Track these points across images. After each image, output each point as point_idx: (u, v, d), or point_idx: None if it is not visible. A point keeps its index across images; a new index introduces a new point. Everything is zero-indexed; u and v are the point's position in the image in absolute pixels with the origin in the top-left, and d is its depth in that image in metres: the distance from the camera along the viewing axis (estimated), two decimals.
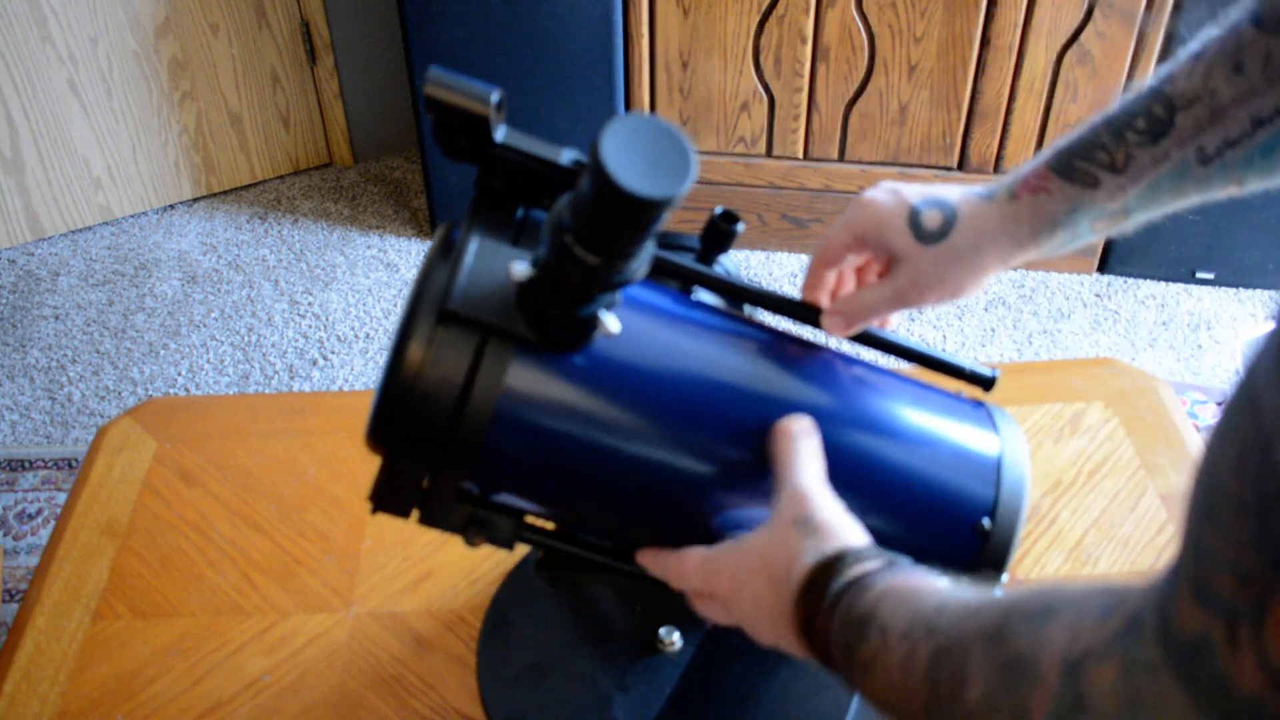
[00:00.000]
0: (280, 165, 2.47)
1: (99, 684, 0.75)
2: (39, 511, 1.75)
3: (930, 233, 0.58)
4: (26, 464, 1.82)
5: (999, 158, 2.06)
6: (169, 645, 0.77)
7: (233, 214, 2.37)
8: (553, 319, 0.50)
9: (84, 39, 2.14)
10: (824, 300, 0.63)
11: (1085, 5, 1.87)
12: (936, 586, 0.45)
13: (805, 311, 0.62)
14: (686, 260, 0.60)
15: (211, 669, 0.76)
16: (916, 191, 0.59)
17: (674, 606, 0.66)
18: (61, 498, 1.76)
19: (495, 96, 0.50)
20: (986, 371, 0.64)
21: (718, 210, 0.60)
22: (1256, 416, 0.27)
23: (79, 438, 1.86)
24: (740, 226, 0.60)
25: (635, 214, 0.43)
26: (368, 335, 2.05)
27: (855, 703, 0.70)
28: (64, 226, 2.30)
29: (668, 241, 0.64)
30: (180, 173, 2.37)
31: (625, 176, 0.42)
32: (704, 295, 0.62)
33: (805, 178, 2.12)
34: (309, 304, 2.12)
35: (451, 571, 0.82)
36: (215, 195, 2.43)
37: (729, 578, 0.53)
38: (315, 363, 1.99)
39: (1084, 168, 0.56)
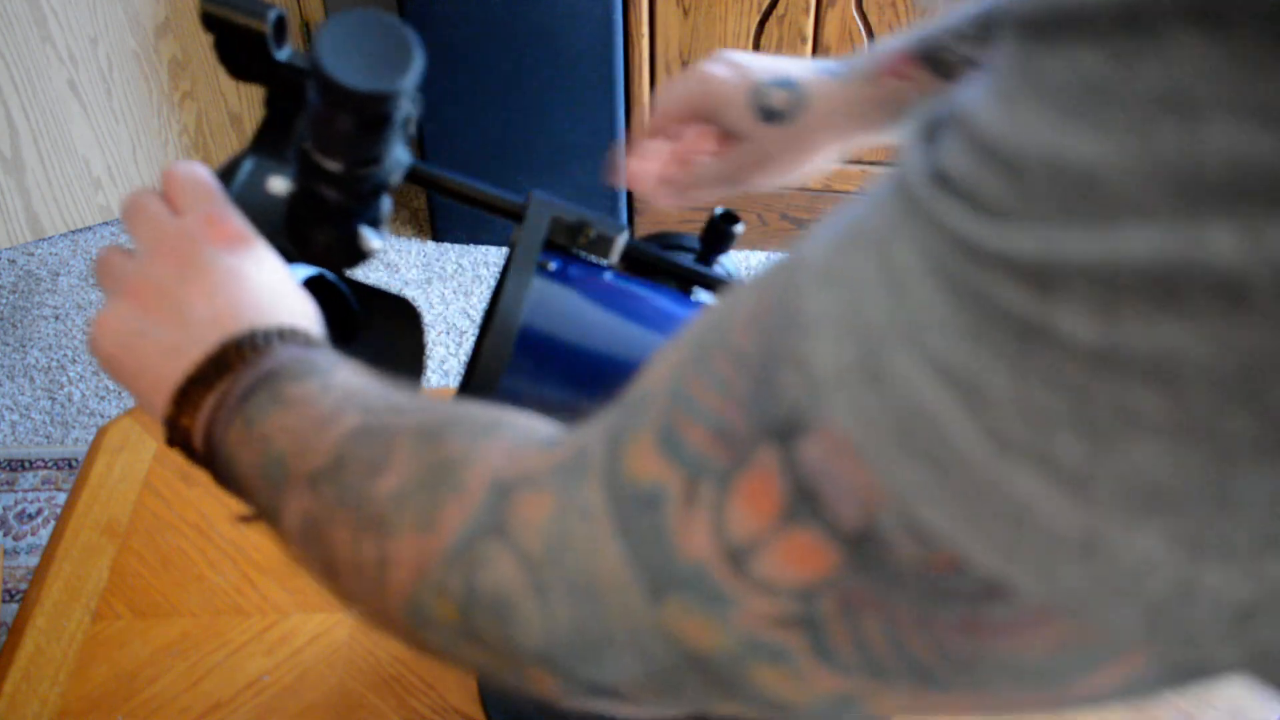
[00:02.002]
0: None
1: (99, 684, 0.75)
2: (39, 511, 1.75)
3: (775, 112, 0.56)
4: (26, 464, 1.82)
5: None
6: (169, 645, 0.77)
7: None
8: (315, 236, 0.50)
9: (84, 39, 2.14)
10: (651, 169, 0.60)
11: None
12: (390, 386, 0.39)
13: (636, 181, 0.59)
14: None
15: (211, 669, 0.76)
16: (761, 67, 0.57)
17: None
18: (61, 498, 1.76)
19: (274, 15, 0.50)
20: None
21: (718, 210, 0.60)
22: (791, 273, 0.24)
23: (79, 438, 1.86)
24: (740, 227, 0.60)
25: (358, 110, 0.42)
26: None
27: None
28: (64, 226, 2.30)
29: (668, 242, 0.64)
30: None
31: (341, 72, 0.41)
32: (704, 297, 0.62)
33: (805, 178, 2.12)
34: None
35: None
36: None
37: (154, 292, 0.42)
38: None
39: (948, 59, 0.53)
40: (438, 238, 2.25)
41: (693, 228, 1.76)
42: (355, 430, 0.35)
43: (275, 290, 0.43)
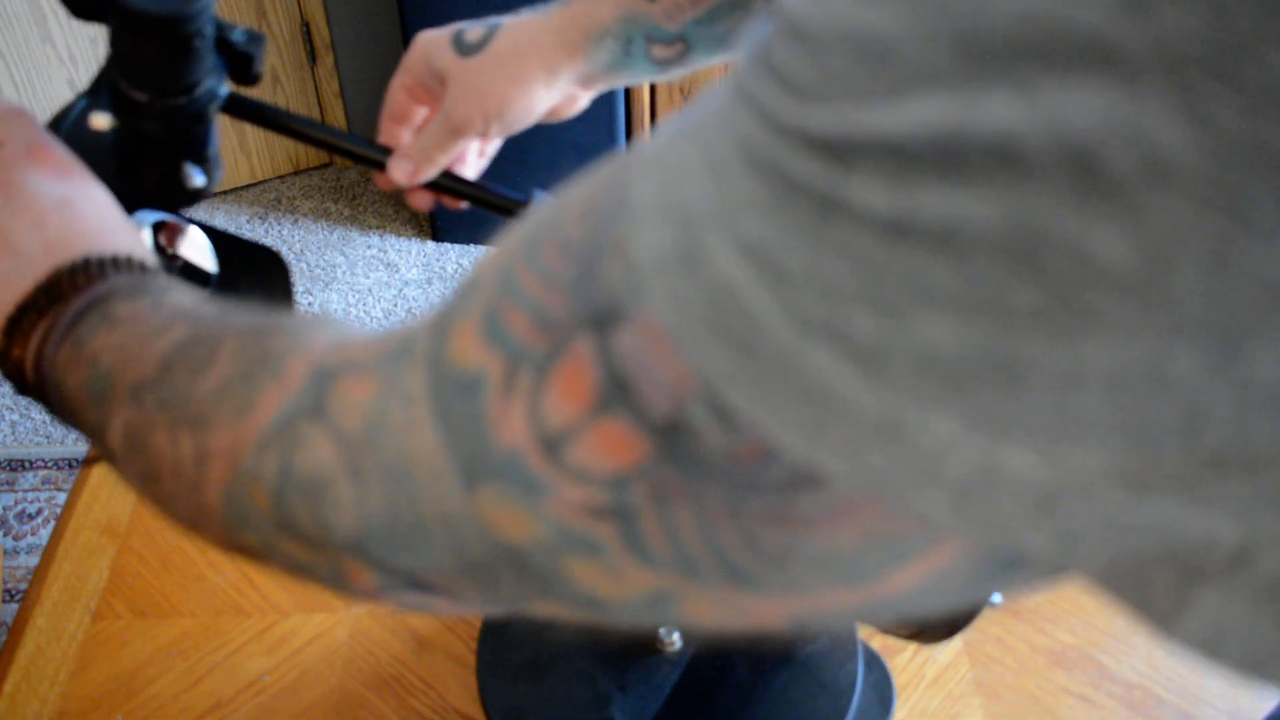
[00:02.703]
0: (280, 165, 2.47)
1: (99, 684, 0.75)
2: (39, 511, 1.75)
3: (470, 44, 0.55)
4: (26, 464, 1.82)
5: None
6: (169, 645, 0.77)
7: (233, 214, 2.37)
8: (141, 173, 0.49)
9: (84, 39, 2.14)
10: (403, 166, 0.59)
11: None
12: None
13: (376, 158, 0.58)
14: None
15: (211, 669, 0.76)
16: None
17: None
18: (61, 498, 1.76)
19: None
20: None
21: None
22: (625, 164, 0.24)
23: (79, 438, 1.86)
24: None
25: (154, 35, 0.42)
26: None
27: (855, 703, 0.70)
28: None
29: None
30: None
31: None
32: None
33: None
34: (309, 304, 2.12)
35: None
36: (215, 195, 2.43)
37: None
38: None
39: None
40: (438, 238, 2.25)
41: None
42: (183, 340, 0.34)
43: (105, 220, 0.43)
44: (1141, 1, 0.15)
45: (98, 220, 0.42)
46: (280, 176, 2.48)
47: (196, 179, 0.50)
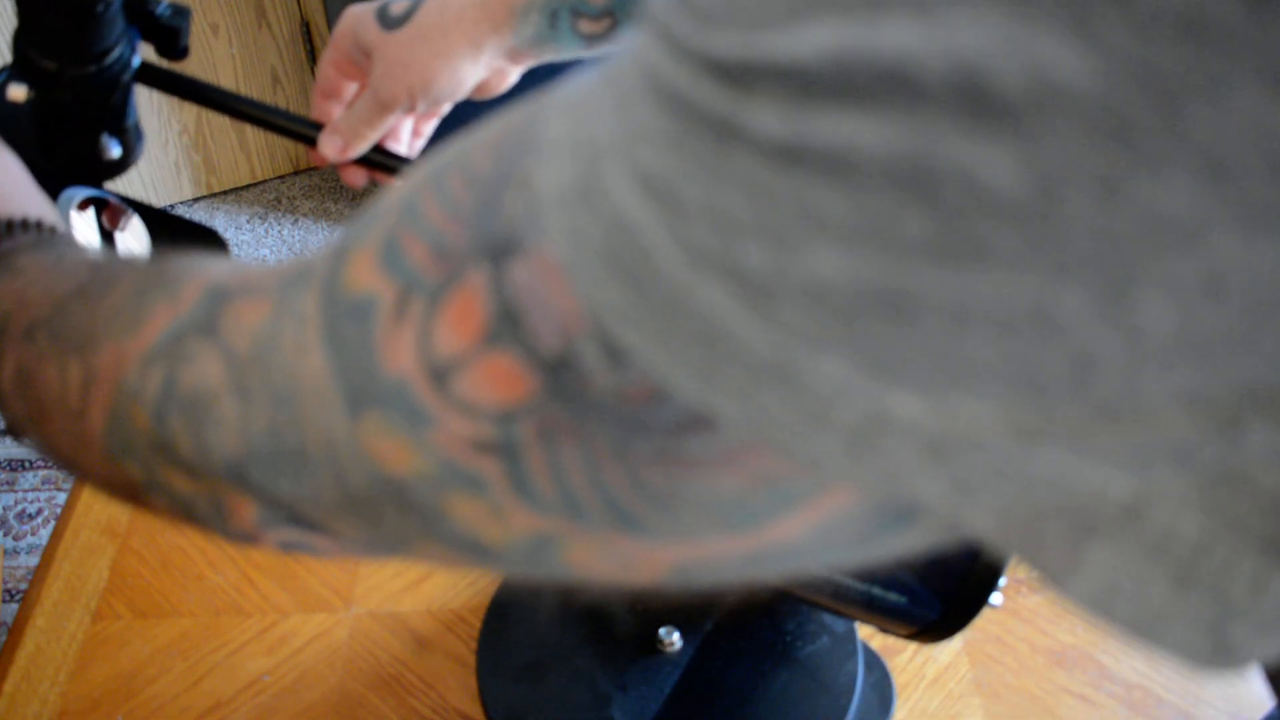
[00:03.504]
0: (280, 165, 2.47)
1: (99, 684, 0.75)
2: (39, 511, 1.75)
3: (395, 18, 0.55)
4: (26, 464, 1.82)
5: None
6: (169, 645, 0.77)
7: (233, 214, 2.37)
8: (58, 145, 0.49)
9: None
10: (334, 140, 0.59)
11: None
12: None
13: (306, 133, 0.58)
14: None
15: (211, 669, 0.76)
16: None
17: (674, 607, 0.66)
18: (61, 498, 1.76)
19: None
20: None
21: None
22: (541, 102, 0.23)
23: None
24: None
25: (48, 2, 0.42)
26: None
27: (855, 703, 0.70)
28: None
29: None
30: (180, 173, 2.37)
31: None
32: None
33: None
34: None
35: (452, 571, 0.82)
36: (215, 195, 2.43)
37: None
38: None
39: None
40: None
41: None
42: (82, 281, 0.34)
43: (15, 186, 0.43)
44: None
45: (8, 186, 0.42)
46: (280, 176, 2.48)
47: (113, 150, 0.50)
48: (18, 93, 0.48)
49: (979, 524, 0.21)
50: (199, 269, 0.31)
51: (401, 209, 0.25)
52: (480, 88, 0.58)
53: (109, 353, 0.30)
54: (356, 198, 2.40)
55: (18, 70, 0.49)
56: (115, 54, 0.47)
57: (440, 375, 0.23)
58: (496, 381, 0.22)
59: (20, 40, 0.45)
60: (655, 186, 0.18)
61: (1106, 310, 0.16)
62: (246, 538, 0.30)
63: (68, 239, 0.41)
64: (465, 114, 0.66)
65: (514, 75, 0.60)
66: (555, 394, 0.22)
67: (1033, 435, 0.18)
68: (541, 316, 0.21)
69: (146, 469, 0.30)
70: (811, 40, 0.16)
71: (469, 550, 0.25)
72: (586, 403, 0.21)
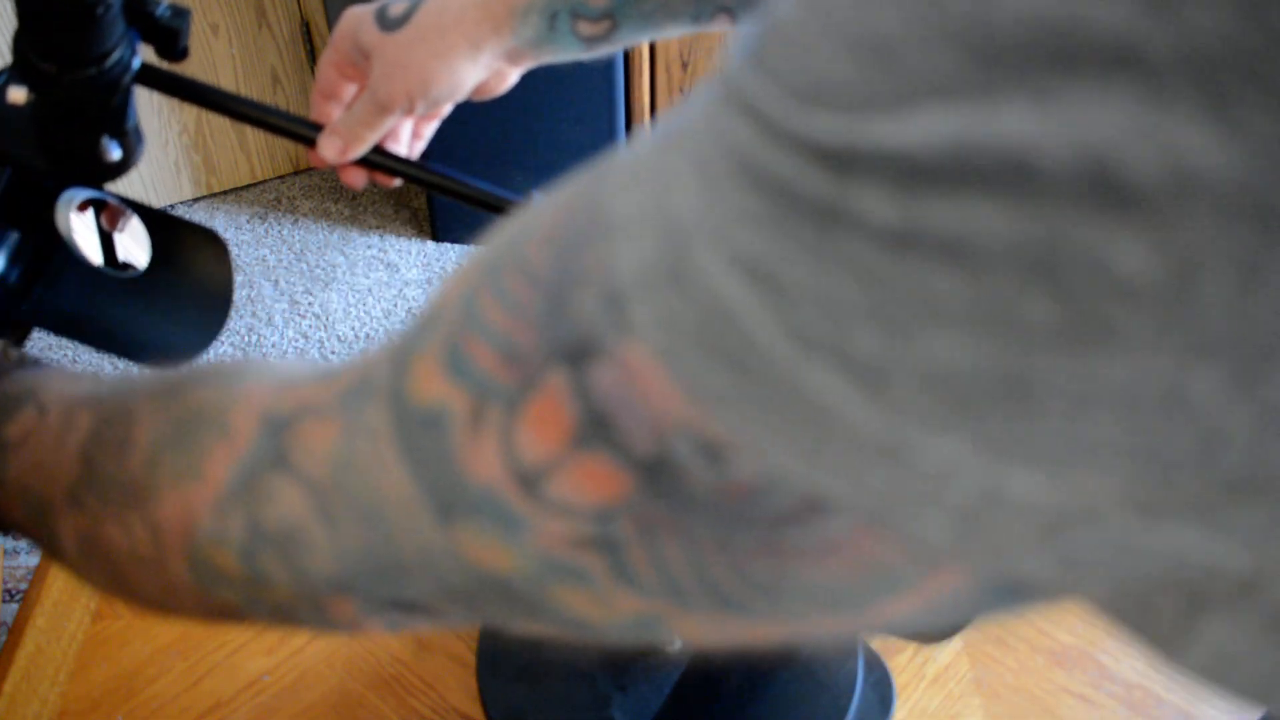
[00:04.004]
0: (280, 165, 2.47)
1: (99, 684, 0.75)
2: None
3: (394, 19, 0.55)
4: None
5: None
6: (169, 645, 0.77)
7: (233, 214, 2.37)
8: (59, 147, 0.49)
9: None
10: (334, 143, 0.58)
11: None
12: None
13: (306, 134, 0.57)
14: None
15: (211, 669, 0.76)
16: None
17: None
18: None
19: None
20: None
21: None
22: (596, 180, 0.23)
23: None
24: None
25: (54, 1, 0.42)
26: (368, 335, 2.05)
27: (855, 703, 0.70)
28: None
29: None
30: (180, 173, 2.37)
31: None
32: None
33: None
34: (309, 304, 2.12)
35: None
36: (215, 195, 2.43)
37: None
38: (315, 363, 1.99)
39: None
40: (438, 238, 2.25)
41: None
42: (91, 428, 0.33)
43: None
44: (1166, 0, 0.14)
45: None
46: (280, 176, 2.48)
47: (114, 153, 0.50)
48: (18, 95, 0.48)
49: (1087, 596, 0.21)
50: (236, 394, 0.30)
51: (461, 310, 0.24)
52: (480, 89, 0.58)
53: (173, 503, 0.30)
54: (356, 198, 2.40)
55: (18, 73, 0.48)
56: (115, 56, 0.47)
57: (530, 481, 0.22)
58: (590, 483, 0.22)
59: (20, 43, 0.45)
60: (756, 270, 0.18)
61: (1240, 388, 0.16)
62: (349, 628, 0.30)
63: (22, 367, 0.39)
64: (466, 115, 0.66)
65: (513, 77, 0.60)
66: (652, 492, 0.21)
67: (1154, 510, 0.18)
68: (632, 417, 0.21)
69: (243, 597, 0.30)
70: (923, 127, 0.16)
71: (574, 628, 0.26)
72: (684, 499, 0.21)
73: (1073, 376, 0.16)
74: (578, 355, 0.21)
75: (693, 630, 0.24)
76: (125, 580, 0.33)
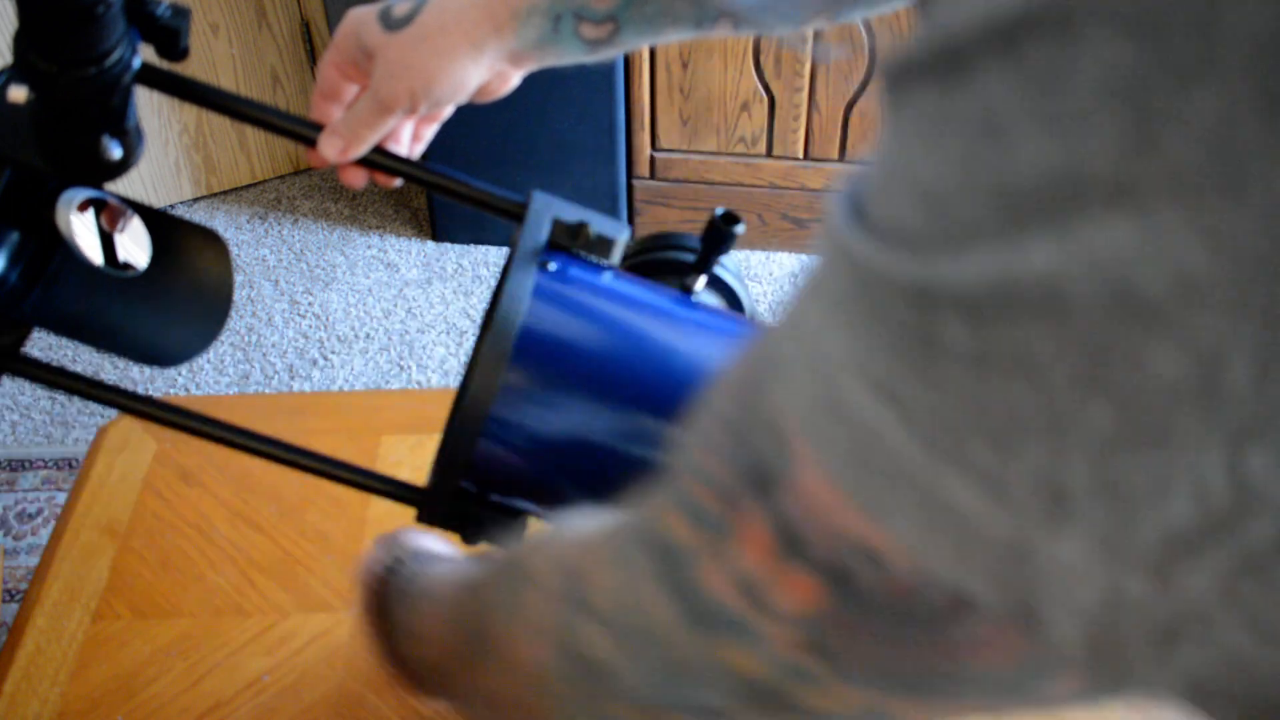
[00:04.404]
0: (280, 165, 2.47)
1: (99, 684, 0.75)
2: (39, 511, 1.75)
3: (397, 19, 0.55)
4: (26, 464, 1.82)
5: None
6: (169, 645, 0.77)
7: (233, 214, 2.37)
8: (59, 146, 0.49)
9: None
10: (334, 143, 0.59)
11: None
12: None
13: (306, 134, 0.58)
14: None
15: (211, 669, 0.76)
16: None
17: None
18: (61, 498, 1.76)
19: None
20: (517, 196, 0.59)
21: (718, 211, 0.60)
22: (761, 344, 0.27)
23: (79, 438, 1.86)
24: (740, 228, 0.60)
25: (47, 4, 0.42)
26: (368, 335, 2.05)
27: None
28: None
29: (668, 242, 0.64)
30: (180, 173, 2.37)
31: None
32: (705, 297, 0.62)
33: (805, 178, 2.12)
34: (309, 304, 2.12)
35: None
36: (215, 195, 2.43)
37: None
38: (315, 363, 1.99)
39: None
40: (438, 238, 2.25)
41: (693, 228, 1.76)
42: (460, 602, 0.42)
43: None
44: (1148, 137, 0.16)
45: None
46: (280, 176, 2.47)
47: (114, 152, 0.49)
48: (18, 94, 0.48)
49: (1215, 714, 0.23)
50: (550, 553, 0.36)
51: (685, 460, 0.30)
52: (482, 90, 0.58)
53: (525, 650, 0.36)
54: (356, 198, 2.40)
55: (18, 72, 0.48)
56: (115, 56, 0.47)
57: (753, 593, 0.27)
58: (796, 592, 0.26)
59: (20, 42, 0.45)
60: (890, 393, 0.21)
61: None
62: None
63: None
64: (466, 115, 0.66)
65: (516, 78, 0.60)
66: (841, 597, 0.25)
67: (1260, 622, 0.19)
68: (812, 532, 0.25)
69: (587, 711, 0.36)
70: (974, 266, 0.19)
71: (812, 717, 0.30)
72: (865, 601, 0.25)
73: (1149, 475, 0.18)
74: (765, 483, 0.26)
75: (910, 714, 0.28)
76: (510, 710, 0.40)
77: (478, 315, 2.08)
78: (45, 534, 1.71)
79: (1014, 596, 0.22)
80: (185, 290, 0.61)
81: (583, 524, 0.36)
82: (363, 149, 0.57)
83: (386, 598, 0.51)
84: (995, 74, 0.18)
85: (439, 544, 0.56)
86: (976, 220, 0.19)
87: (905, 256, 0.20)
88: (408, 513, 0.57)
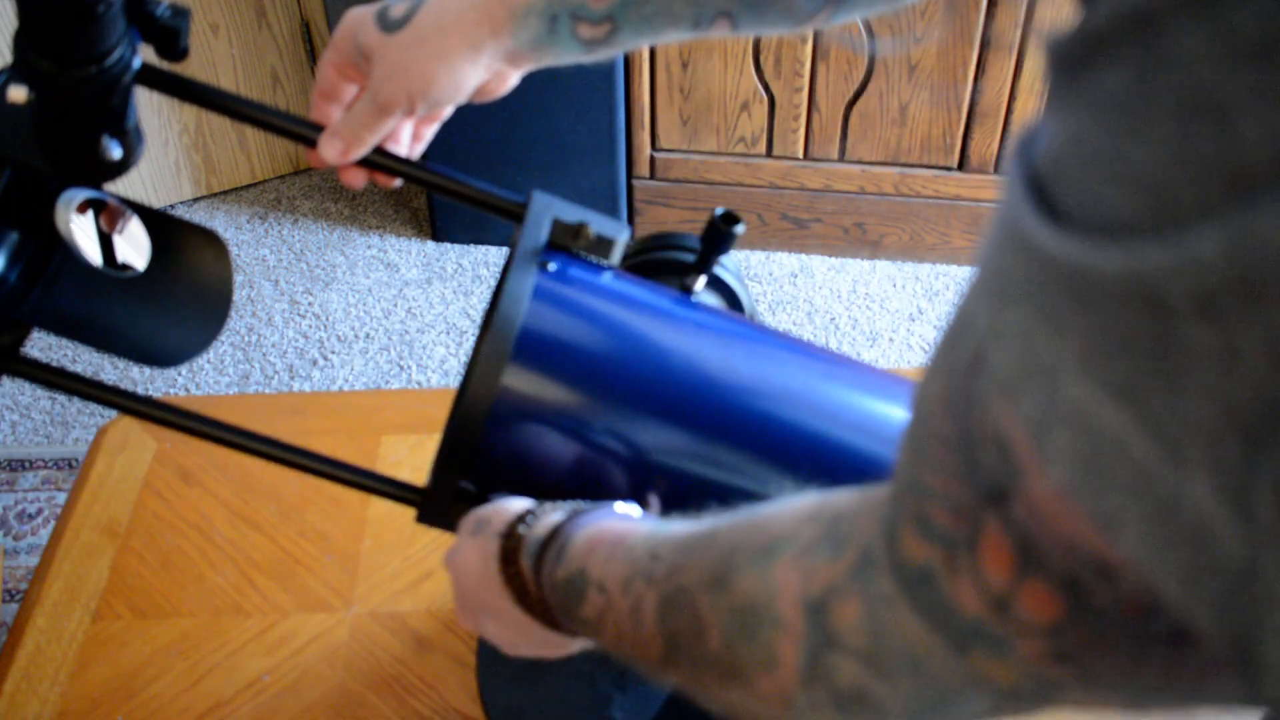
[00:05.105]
0: (280, 165, 2.47)
1: (99, 684, 0.75)
2: (39, 511, 1.75)
3: (394, 21, 0.55)
4: (26, 464, 1.82)
5: (1000, 157, 2.06)
6: (169, 645, 0.77)
7: (233, 214, 2.37)
8: (59, 145, 0.49)
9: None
10: (334, 145, 0.59)
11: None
12: (640, 530, 0.45)
13: (306, 135, 0.58)
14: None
15: (211, 669, 0.76)
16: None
17: None
18: (61, 498, 1.76)
19: None
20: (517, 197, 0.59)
21: (718, 211, 0.60)
22: (956, 355, 0.27)
23: (79, 438, 1.86)
24: (740, 228, 0.60)
25: (48, 4, 0.42)
26: (368, 335, 2.05)
27: None
28: None
29: (668, 242, 0.64)
30: (180, 173, 2.37)
31: None
32: (705, 297, 0.62)
33: (805, 178, 2.12)
34: (309, 304, 2.12)
35: None
36: (215, 195, 2.43)
37: (459, 588, 0.54)
38: (315, 363, 1.99)
39: None
40: (438, 238, 2.25)
41: (693, 228, 1.76)
42: (659, 611, 0.40)
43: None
44: None
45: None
46: (280, 176, 2.47)
47: (114, 152, 0.50)
48: (18, 94, 0.48)
49: None
50: (772, 582, 0.36)
51: (910, 486, 0.30)
52: (481, 90, 0.58)
53: (766, 684, 0.36)
54: (356, 198, 2.40)
55: (18, 72, 0.49)
56: (115, 55, 0.47)
57: (1002, 606, 0.27)
58: (1038, 604, 0.26)
59: (20, 42, 0.45)
60: (1123, 392, 0.20)
61: None
62: None
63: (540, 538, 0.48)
64: (466, 115, 0.66)
65: (514, 79, 0.60)
66: (1078, 609, 0.25)
67: None
68: (1049, 544, 0.25)
69: None
70: (1206, 251, 0.17)
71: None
72: (1099, 617, 0.25)
73: None
74: (999, 498, 0.26)
75: (1160, 714, 0.29)
76: (734, 704, 0.40)
77: (478, 315, 2.08)
78: (45, 534, 1.71)
79: (1235, 630, 0.20)
80: (185, 290, 0.61)
81: (802, 546, 0.36)
82: (363, 151, 0.57)
83: (519, 548, 0.49)
84: (1196, 39, 0.17)
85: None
86: (1202, 202, 0.18)
87: (1122, 249, 0.19)
88: (408, 513, 0.57)
